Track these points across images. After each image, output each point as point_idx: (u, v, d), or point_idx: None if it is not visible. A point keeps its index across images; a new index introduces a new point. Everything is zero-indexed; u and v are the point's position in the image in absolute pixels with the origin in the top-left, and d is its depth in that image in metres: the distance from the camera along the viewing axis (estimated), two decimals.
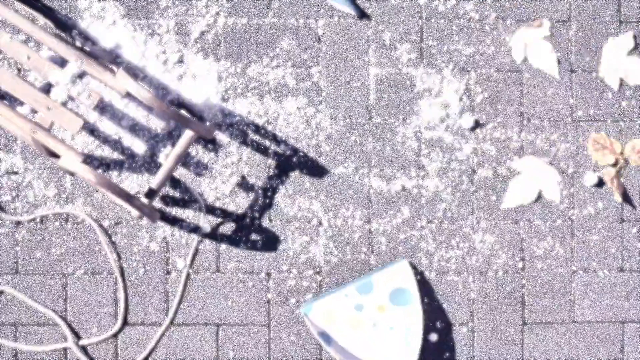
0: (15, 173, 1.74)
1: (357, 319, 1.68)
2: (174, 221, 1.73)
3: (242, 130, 1.74)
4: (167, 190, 1.74)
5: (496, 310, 1.74)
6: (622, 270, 1.75)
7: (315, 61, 1.75)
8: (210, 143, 1.72)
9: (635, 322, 1.75)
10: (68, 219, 1.73)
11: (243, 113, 1.75)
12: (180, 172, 1.75)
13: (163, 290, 1.73)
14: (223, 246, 1.74)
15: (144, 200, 1.59)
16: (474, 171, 1.75)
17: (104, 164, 1.74)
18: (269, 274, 1.74)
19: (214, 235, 1.73)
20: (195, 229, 1.73)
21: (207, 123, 1.63)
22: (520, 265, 1.75)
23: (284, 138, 1.75)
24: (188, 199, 1.74)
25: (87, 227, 1.74)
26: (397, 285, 1.69)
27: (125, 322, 1.72)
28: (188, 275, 1.72)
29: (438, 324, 1.74)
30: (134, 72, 1.68)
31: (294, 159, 1.75)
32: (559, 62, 1.68)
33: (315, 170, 1.75)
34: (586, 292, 1.75)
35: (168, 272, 1.73)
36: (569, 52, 1.77)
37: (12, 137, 1.74)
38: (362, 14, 1.73)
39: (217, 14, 1.75)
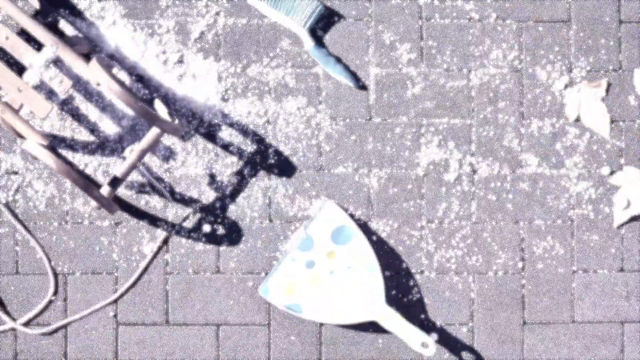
0: (15, 173, 1.74)
1: (313, 276, 1.66)
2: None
3: (242, 130, 1.74)
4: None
5: (496, 310, 1.74)
6: (622, 270, 1.75)
7: (315, 61, 1.75)
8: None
9: (635, 322, 1.75)
10: (68, 218, 1.73)
11: (243, 113, 1.75)
12: (181, 171, 1.75)
13: (163, 290, 1.73)
14: (223, 246, 1.74)
15: (107, 188, 1.58)
16: (474, 171, 1.75)
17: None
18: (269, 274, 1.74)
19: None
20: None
21: (177, 121, 1.62)
22: (520, 265, 1.75)
23: (283, 138, 1.75)
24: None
25: (87, 227, 1.74)
26: (334, 226, 1.68)
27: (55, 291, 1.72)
28: (150, 262, 1.72)
29: (438, 324, 1.74)
30: (109, 63, 1.67)
31: (294, 159, 1.75)
32: (612, 121, 1.69)
33: (315, 170, 1.75)
34: (586, 292, 1.75)
35: (168, 273, 1.73)
36: (569, 52, 1.77)
37: (12, 137, 1.74)
38: (361, 86, 1.73)
39: (217, 14, 1.75)
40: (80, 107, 1.74)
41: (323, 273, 1.66)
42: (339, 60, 1.73)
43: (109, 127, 1.74)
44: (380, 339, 1.74)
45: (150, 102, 1.73)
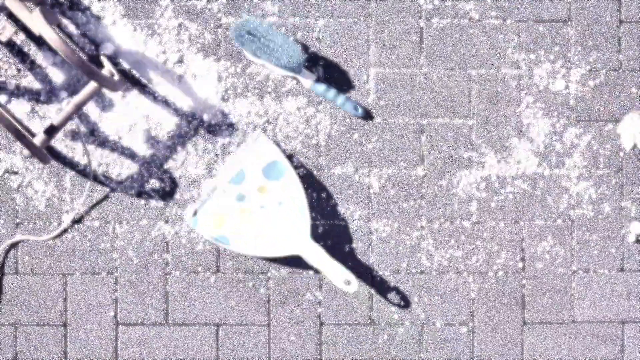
0: (15, 173, 1.74)
1: (244, 209, 1.67)
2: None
3: (242, 130, 1.74)
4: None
5: (496, 310, 1.74)
6: (622, 270, 1.75)
7: (315, 61, 1.75)
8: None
9: (635, 322, 1.75)
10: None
11: (243, 113, 1.75)
12: (184, 171, 1.75)
13: (163, 290, 1.73)
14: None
15: (42, 137, 1.56)
16: (474, 171, 1.75)
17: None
18: (269, 274, 1.74)
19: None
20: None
21: (117, 77, 1.61)
22: (520, 265, 1.75)
23: (284, 138, 1.75)
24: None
25: (87, 227, 1.73)
26: (266, 161, 1.68)
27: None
28: (77, 221, 1.72)
29: (438, 324, 1.74)
30: (55, 15, 1.66)
31: (294, 159, 1.74)
32: None
33: (315, 170, 1.75)
34: (586, 292, 1.75)
35: (168, 273, 1.73)
36: (569, 52, 1.77)
37: (12, 137, 1.74)
38: (365, 115, 1.73)
39: (217, 14, 1.75)
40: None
41: (254, 207, 1.67)
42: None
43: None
44: (380, 339, 1.73)
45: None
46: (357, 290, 1.72)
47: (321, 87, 1.71)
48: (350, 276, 1.64)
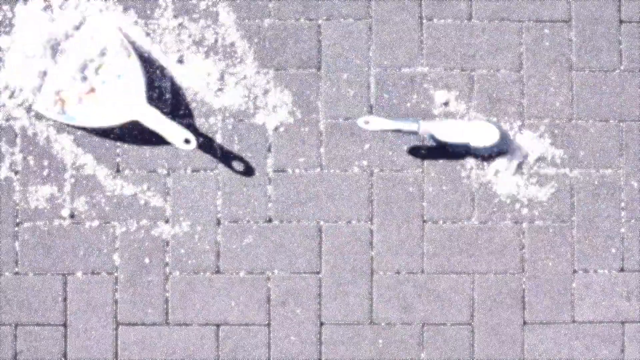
0: (16, 173, 1.74)
1: (86, 88, 1.72)
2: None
3: (242, 130, 1.75)
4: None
5: (496, 310, 1.74)
6: (622, 270, 1.75)
7: (315, 61, 1.75)
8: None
9: (635, 322, 1.75)
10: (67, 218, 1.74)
11: (242, 112, 1.75)
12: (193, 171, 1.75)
13: (163, 290, 1.73)
14: (223, 246, 1.74)
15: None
16: (475, 171, 1.75)
17: None
18: (269, 274, 1.74)
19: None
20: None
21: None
22: (520, 265, 1.75)
23: (283, 137, 1.75)
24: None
25: (87, 227, 1.74)
26: (104, 42, 1.72)
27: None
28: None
29: (438, 324, 1.74)
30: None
31: (294, 159, 1.75)
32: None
33: (316, 170, 1.75)
34: (586, 292, 1.75)
35: (168, 273, 1.73)
36: (569, 52, 1.77)
37: (13, 136, 1.74)
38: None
39: (217, 13, 1.75)
40: None
41: (96, 84, 1.71)
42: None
43: None
44: (380, 339, 1.74)
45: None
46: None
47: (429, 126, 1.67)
48: (189, 135, 1.68)
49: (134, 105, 1.69)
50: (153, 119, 1.69)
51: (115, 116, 1.70)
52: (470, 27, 1.76)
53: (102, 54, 1.71)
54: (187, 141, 1.68)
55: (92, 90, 1.71)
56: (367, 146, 1.75)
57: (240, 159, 1.75)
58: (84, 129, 1.73)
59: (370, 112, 1.75)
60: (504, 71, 1.76)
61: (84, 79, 1.71)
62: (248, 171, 1.74)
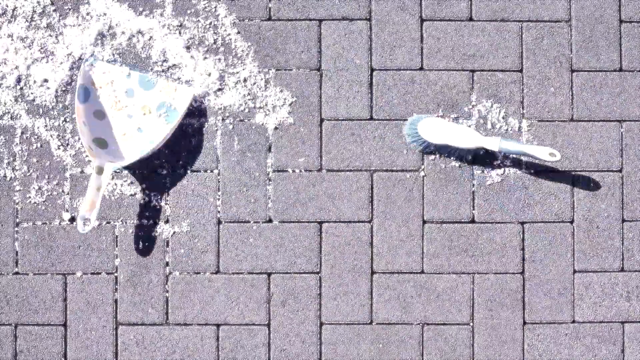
0: (16, 173, 1.74)
1: (122, 100, 1.72)
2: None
3: (241, 130, 1.75)
4: None
5: (496, 310, 1.74)
6: (622, 270, 1.75)
7: (315, 61, 1.75)
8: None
9: (636, 322, 1.75)
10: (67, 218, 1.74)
11: (242, 112, 1.75)
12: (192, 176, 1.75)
13: (163, 290, 1.73)
14: (223, 246, 1.74)
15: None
16: (475, 171, 1.75)
17: None
18: (269, 274, 1.74)
19: None
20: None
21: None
22: (520, 265, 1.75)
23: (283, 137, 1.75)
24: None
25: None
26: (170, 101, 1.72)
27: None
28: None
29: (438, 324, 1.74)
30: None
31: (294, 159, 1.75)
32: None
33: (316, 170, 1.75)
34: (586, 292, 1.75)
35: (168, 273, 1.73)
36: (569, 52, 1.77)
37: (12, 136, 1.74)
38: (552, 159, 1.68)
39: (217, 13, 1.75)
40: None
41: (130, 109, 1.73)
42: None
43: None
44: (380, 339, 1.74)
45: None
46: (356, 291, 1.72)
47: (509, 144, 1.65)
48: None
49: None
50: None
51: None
52: (470, 27, 1.76)
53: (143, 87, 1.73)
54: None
55: (123, 107, 1.73)
56: (367, 146, 1.75)
57: (240, 159, 1.75)
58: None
59: (371, 114, 1.75)
60: (505, 71, 1.76)
61: (131, 94, 1.73)
62: (248, 171, 1.75)
